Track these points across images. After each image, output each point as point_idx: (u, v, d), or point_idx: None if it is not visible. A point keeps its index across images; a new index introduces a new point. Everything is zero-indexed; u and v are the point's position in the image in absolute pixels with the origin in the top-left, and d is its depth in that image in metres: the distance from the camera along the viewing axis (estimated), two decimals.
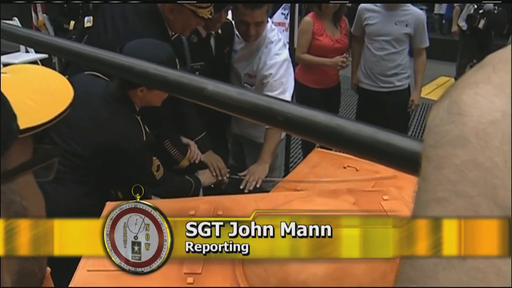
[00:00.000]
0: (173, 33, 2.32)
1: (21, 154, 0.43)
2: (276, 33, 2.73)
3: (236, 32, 2.67)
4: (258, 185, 2.54)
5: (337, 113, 3.86)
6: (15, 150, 0.41)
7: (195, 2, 2.13)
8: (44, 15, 5.98)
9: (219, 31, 2.62)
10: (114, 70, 0.53)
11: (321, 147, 2.38)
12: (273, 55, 2.60)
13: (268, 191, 2.16)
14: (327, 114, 0.35)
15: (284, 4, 3.18)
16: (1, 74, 0.53)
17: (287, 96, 2.62)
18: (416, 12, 3.50)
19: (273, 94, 2.58)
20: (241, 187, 2.53)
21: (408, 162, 0.31)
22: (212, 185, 2.40)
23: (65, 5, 5.73)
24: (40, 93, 0.53)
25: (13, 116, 0.44)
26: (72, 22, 5.63)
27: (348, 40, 3.60)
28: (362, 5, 3.64)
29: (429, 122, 0.29)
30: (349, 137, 0.33)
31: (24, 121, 0.45)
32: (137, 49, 1.83)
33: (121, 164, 1.88)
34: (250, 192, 2.31)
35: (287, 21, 2.95)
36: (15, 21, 5.77)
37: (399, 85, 3.55)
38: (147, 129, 1.93)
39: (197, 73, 2.50)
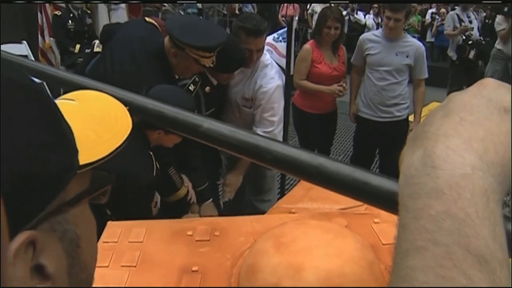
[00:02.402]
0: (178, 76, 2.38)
1: (78, 184, 0.43)
2: (268, 57, 2.80)
3: None
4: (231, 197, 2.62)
5: (333, 138, 3.88)
6: (73, 182, 0.42)
7: (197, 47, 2.18)
8: (51, 38, 6.04)
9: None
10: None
11: None
12: (269, 79, 2.66)
13: (264, 212, 2.17)
14: (310, 153, 0.37)
15: (281, 30, 3.22)
16: (69, 101, 0.53)
17: (276, 120, 2.70)
18: (416, 44, 3.53)
19: (264, 115, 2.67)
20: (223, 199, 2.64)
21: (384, 200, 0.33)
22: None
23: (71, 29, 5.80)
24: (102, 124, 0.53)
25: (75, 152, 0.44)
26: (78, 46, 5.69)
27: (346, 68, 3.63)
28: (363, 36, 3.68)
29: (404, 170, 0.31)
30: (330, 175, 0.35)
31: (85, 156, 0.45)
32: (161, 95, 1.86)
33: (124, 194, 1.88)
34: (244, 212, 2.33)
35: (276, 44, 3.00)
36: (24, 44, 5.83)
37: (398, 115, 3.55)
38: (158, 165, 1.95)
39: None
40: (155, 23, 2.40)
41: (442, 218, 0.27)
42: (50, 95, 0.44)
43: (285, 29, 2.97)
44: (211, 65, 2.28)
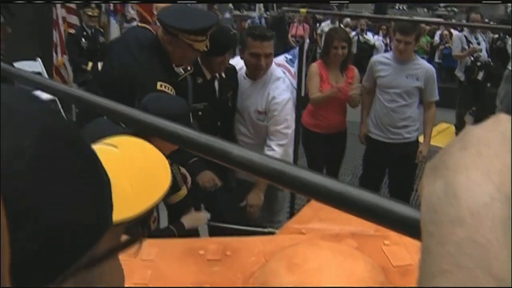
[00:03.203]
0: (174, 65, 2.41)
1: (109, 240, 0.42)
2: (280, 71, 2.85)
3: (243, 74, 2.78)
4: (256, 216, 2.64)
5: (342, 158, 3.89)
6: (105, 237, 0.41)
7: (189, 30, 2.22)
8: (64, 56, 6.16)
9: (223, 75, 2.72)
10: (145, 130, 0.58)
11: None
12: (282, 91, 2.69)
13: (274, 233, 2.19)
14: (334, 180, 0.40)
15: (291, 50, 3.27)
16: (110, 147, 0.53)
17: (289, 132, 2.72)
18: (427, 66, 3.55)
19: (278, 128, 2.68)
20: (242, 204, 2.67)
21: (406, 226, 0.36)
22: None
23: (85, 47, 5.90)
24: (140, 177, 0.53)
25: (111, 206, 0.43)
26: (90, 64, 5.78)
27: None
28: (374, 58, 3.71)
29: (426, 198, 0.33)
30: (353, 201, 0.38)
31: (119, 212, 0.44)
32: (155, 102, 1.91)
33: None
34: (257, 232, 2.33)
35: (289, 66, 3.05)
36: (38, 61, 5.94)
37: (408, 137, 3.56)
38: None
39: (200, 113, 2.60)
40: (149, 27, 2.47)
41: (465, 243, 0.30)
42: (91, 144, 0.43)
43: (296, 49, 3.01)
44: (205, 49, 2.32)
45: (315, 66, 3.52)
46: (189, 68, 2.58)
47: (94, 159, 0.43)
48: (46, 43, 6.23)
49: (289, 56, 3.06)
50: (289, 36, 11.23)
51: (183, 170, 2.39)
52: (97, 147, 0.47)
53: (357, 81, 3.66)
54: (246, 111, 2.78)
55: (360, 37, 10.85)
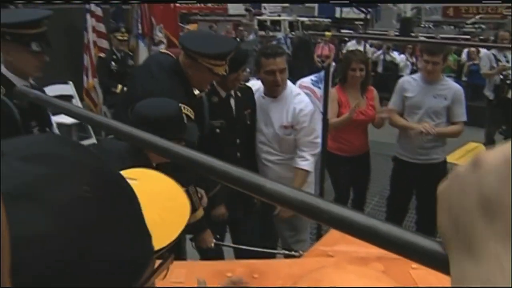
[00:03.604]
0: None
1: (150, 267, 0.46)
2: (296, 87, 2.95)
3: (261, 95, 2.87)
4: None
5: (368, 181, 3.86)
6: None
7: (209, 55, 2.28)
8: (95, 79, 6.34)
9: (239, 94, 2.80)
10: (180, 162, 0.61)
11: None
12: (307, 103, 2.81)
13: (300, 255, 2.19)
14: (363, 215, 0.42)
15: (318, 73, 3.29)
16: (132, 180, 0.58)
17: (319, 141, 2.86)
18: (454, 86, 3.53)
19: (309, 139, 2.81)
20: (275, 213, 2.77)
21: (432, 260, 0.38)
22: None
23: (114, 70, 6.07)
24: (165, 207, 0.57)
25: (150, 236, 0.47)
26: (120, 86, 5.93)
27: (375, 112, 3.62)
28: (402, 79, 3.67)
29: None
30: (381, 235, 0.40)
31: (156, 242, 0.48)
32: (147, 107, 1.96)
33: None
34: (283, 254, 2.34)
35: (315, 88, 3.09)
36: (70, 85, 6.14)
37: (436, 158, 3.52)
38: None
39: (217, 130, 2.68)
40: (169, 53, 2.55)
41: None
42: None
43: (322, 72, 3.05)
44: (224, 73, 2.39)
45: (333, 92, 3.52)
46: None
47: (134, 196, 0.47)
48: (77, 67, 6.43)
49: (314, 78, 3.10)
50: (315, 56, 11.27)
51: (199, 190, 2.44)
52: None
53: (377, 101, 3.67)
54: (269, 128, 2.85)
55: (386, 55, 10.83)
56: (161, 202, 0.60)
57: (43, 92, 2.51)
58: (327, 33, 3.14)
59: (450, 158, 3.70)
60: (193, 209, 2.30)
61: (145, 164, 1.92)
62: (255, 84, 2.97)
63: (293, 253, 2.23)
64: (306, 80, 3.18)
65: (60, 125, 4.19)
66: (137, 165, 1.89)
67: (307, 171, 2.83)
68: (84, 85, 6.38)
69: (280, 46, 2.77)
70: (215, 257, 2.48)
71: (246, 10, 22.53)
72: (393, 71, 9.75)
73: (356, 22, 17.76)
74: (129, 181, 0.57)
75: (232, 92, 2.77)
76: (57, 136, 0.49)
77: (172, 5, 7.09)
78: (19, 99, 1.03)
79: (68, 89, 6.07)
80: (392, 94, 3.66)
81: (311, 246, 2.26)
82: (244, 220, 2.80)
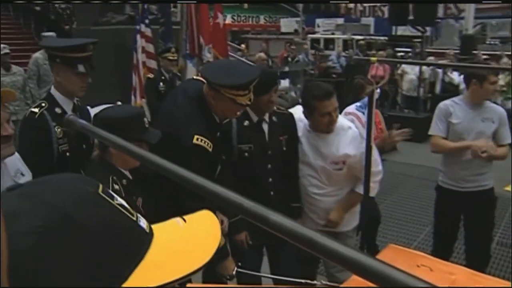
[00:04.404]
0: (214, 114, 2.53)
1: None
2: (346, 120, 2.99)
3: (307, 127, 2.90)
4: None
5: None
6: None
7: (231, 86, 2.34)
8: (143, 99, 6.60)
9: (275, 118, 2.82)
10: (197, 191, 0.70)
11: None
12: (361, 141, 2.81)
13: (341, 283, 2.22)
14: (364, 255, 0.47)
15: (364, 99, 3.33)
16: (179, 223, 0.68)
17: (380, 168, 2.98)
18: (498, 108, 3.50)
19: (377, 169, 2.92)
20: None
21: None
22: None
23: (162, 91, 6.28)
24: (197, 242, 0.67)
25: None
26: None
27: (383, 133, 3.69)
28: (444, 103, 3.56)
29: None
30: (369, 270, 0.46)
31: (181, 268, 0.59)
32: (109, 110, 2.19)
33: None
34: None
35: (359, 113, 3.14)
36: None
37: (484, 185, 3.45)
38: (115, 186, 2.05)
39: (246, 154, 2.73)
40: (202, 79, 2.60)
41: None
42: None
43: (366, 98, 3.09)
44: (248, 103, 2.43)
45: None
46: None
47: (91, 227, 0.56)
48: (126, 87, 6.73)
49: (359, 104, 3.14)
50: (369, 76, 11.20)
51: (220, 216, 2.52)
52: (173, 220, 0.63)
53: (383, 124, 3.82)
54: (318, 162, 2.88)
55: (446, 76, 10.62)
56: (198, 238, 0.68)
57: (87, 111, 2.78)
58: (372, 58, 3.17)
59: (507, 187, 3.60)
60: None
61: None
62: (297, 111, 2.99)
63: (332, 284, 2.26)
64: (351, 107, 3.25)
65: None
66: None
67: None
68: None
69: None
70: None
71: (295, 30, 22.76)
72: (451, 93, 9.54)
73: (415, 40, 17.45)
74: (179, 222, 0.68)
75: (266, 117, 2.81)
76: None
77: (221, 24, 7.27)
78: (68, 127, 1.15)
79: None
80: (434, 119, 3.58)
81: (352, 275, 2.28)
82: (282, 246, 2.82)
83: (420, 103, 10.35)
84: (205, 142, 2.37)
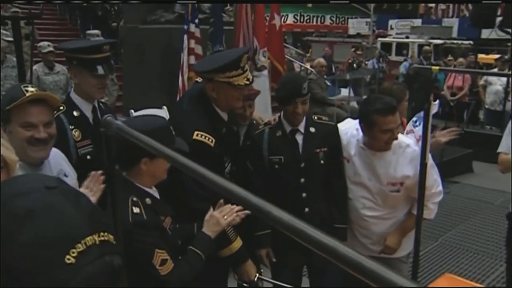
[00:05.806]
0: (219, 110, 2.72)
1: None
2: (405, 137, 3.03)
3: (361, 145, 2.92)
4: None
5: None
6: None
7: (219, 68, 2.54)
8: None
9: (312, 129, 2.91)
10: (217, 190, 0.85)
11: None
12: (418, 156, 2.80)
13: None
14: (368, 259, 0.59)
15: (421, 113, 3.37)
16: None
17: (440, 189, 3.04)
18: None
19: (432, 191, 2.96)
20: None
21: None
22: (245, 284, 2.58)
23: None
24: None
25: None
26: None
27: None
28: None
29: None
30: (365, 269, 0.58)
31: None
32: (134, 122, 2.30)
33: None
34: None
35: (414, 128, 3.18)
36: (164, 110, 6.70)
37: None
38: (134, 210, 2.10)
39: (276, 166, 2.86)
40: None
41: None
42: None
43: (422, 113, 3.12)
44: (247, 82, 2.60)
45: None
46: (272, 121, 2.95)
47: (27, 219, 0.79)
48: (174, 91, 6.98)
49: (415, 119, 3.16)
50: (445, 87, 10.96)
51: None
52: None
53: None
54: (374, 183, 2.93)
55: None
56: None
57: (113, 113, 2.94)
58: (434, 67, 3.20)
59: None
60: (228, 242, 2.50)
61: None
62: (347, 125, 3.07)
63: None
64: (408, 125, 3.28)
65: None
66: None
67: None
68: None
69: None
70: None
71: (357, 34, 22.34)
72: None
73: (509, 44, 16.67)
74: None
75: (302, 127, 2.89)
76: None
77: (277, 25, 7.34)
78: (105, 129, 1.31)
79: (162, 114, 6.62)
80: (504, 136, 3.53)
81: None
82: (324, 265, 2.88)
83: (506, 119, 9.96)
84: (206, 137, 2.56)
